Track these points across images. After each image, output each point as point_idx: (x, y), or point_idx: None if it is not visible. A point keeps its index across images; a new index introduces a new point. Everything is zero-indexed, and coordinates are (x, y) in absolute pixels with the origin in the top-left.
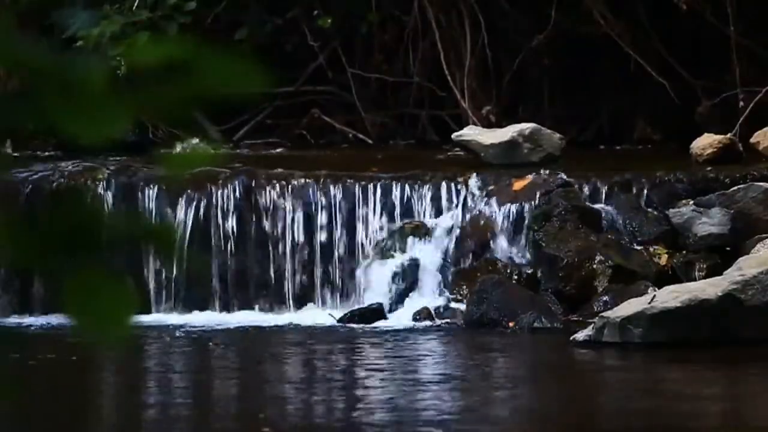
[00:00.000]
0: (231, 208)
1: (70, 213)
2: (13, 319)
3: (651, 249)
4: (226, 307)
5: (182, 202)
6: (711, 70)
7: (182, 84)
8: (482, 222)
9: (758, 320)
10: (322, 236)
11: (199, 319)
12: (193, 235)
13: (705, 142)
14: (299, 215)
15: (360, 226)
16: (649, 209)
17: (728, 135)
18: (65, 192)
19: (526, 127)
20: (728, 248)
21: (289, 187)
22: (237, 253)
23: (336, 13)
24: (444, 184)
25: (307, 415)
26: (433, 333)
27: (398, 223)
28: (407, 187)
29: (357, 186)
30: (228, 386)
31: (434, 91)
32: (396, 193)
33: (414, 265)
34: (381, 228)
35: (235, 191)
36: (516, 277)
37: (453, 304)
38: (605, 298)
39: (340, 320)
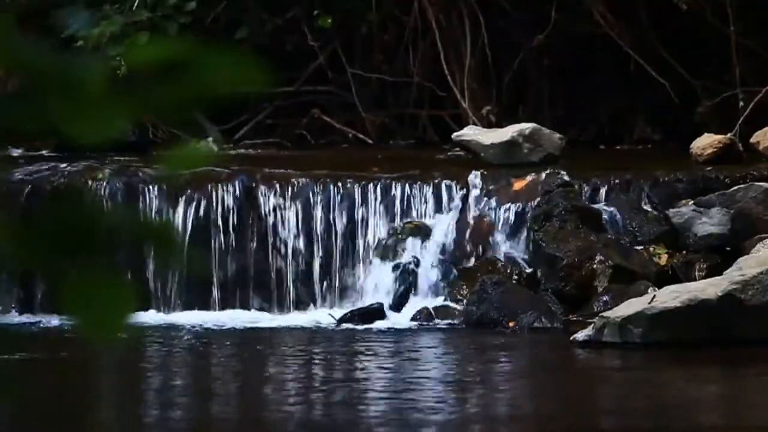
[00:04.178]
0: (231, 208)
1: (70, 213)
2: (13, 319)
3: (651, 249)
4: (226, 307)
5: (182, 202)
6: (711, 70)
7: (182, 84)
8: (482, 222)
9: (758, 320)
10: (322, 236)
11: (199, 318)
12: (193, 235)
13: (705, 142)
14: (299, 215)
15: (360, 226)
16: (649, 209)
17: (728, 135)
18: (65, 192)
19: (526, 127)
20: (728, 248)
21: (289, 187)
22: (237, 253)
23: (336, 13)
24: (444, 184)
25: (307, 414)
26: (433, 333)
27: (398, 223)
28: (407, 187)
29: (357, 186)
30: (227, 386)
31: (434, 91)
32: (396, 193)
33: (414, 265)
34: (381, 228)
35: (235, 191)
36: (516, 277)
37: (453, 304)
38: (605, 298)
39: (340, 320)
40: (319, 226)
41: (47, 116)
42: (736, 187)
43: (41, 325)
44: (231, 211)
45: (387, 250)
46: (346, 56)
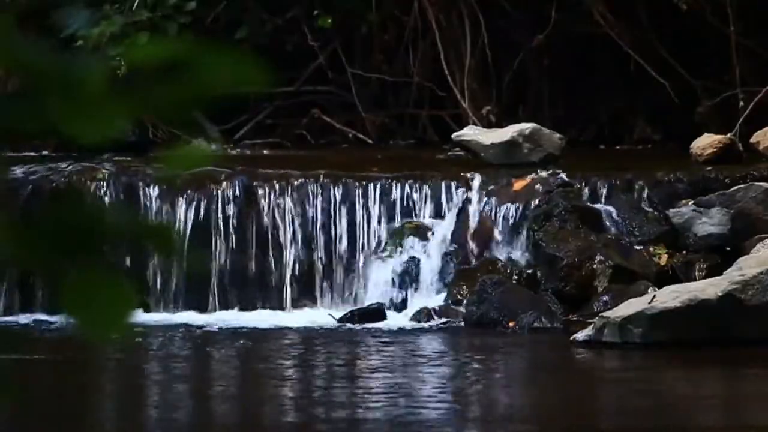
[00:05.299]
0: (231, 208)
1: (70, 213)
2: (14, 319)
3: (651, 249)
4: (226, 307)
5: (182, 202)
6: (711, 70)
7: (182, 84)
8: (482, 222)
9: (758, 320)
10: (322, 236)
11: (199, 318)
12: (193, 235)
13: (705, 142)
14: (299, 215)
15: (360, 226)
16: (649, 209)
17: (728, 135)
18: (65, 192)
19: (526, 127)
20: (728, 248)
21: (289, 187)
22: (237, 253)
23: (336, 13)
24: (444, 184)
25: (307, 415)
26: (433, 333)
27: (398, 223)
28: (407, 187)
29: (357, 186)
30: (227, 386)
31: (434, 91)
32: (396, 193)
33: (414, 265)
34: (381, 228)
35: (235, 191)
36: (516, 277)
37: (453, 304)
38: (605, 298)
39: (340, 320)
40: (319, 226)
41: (47, 116)
42: (736, 187)
43: (41, 325)
44: (231, 211)
45: (387, 250)
46: (346, 56)
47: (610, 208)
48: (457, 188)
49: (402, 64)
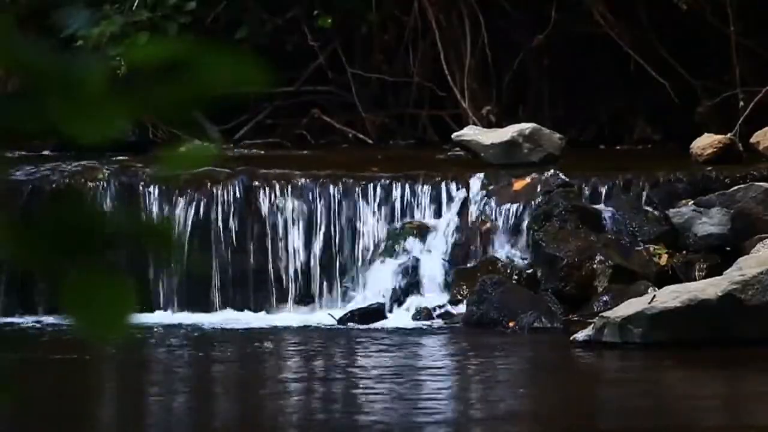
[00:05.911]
0: (231, 208)
1: (70, 213)
2: (13, 319)
3: (651, 249)
4: (226, 307)
5: (182, 202)
6: (711, 70)
7: (182, 84)
8: (482, 222)
9: (758, 320)
10: (322, 236)
11: (199, 318)
12: (193, 235)
13: (705, 142)
14: (299, 215)
15: (360, 226)
16: (649, 209)
17: (728, 135)
18: (65, 192)
19: (526, 127)
20: (728, 248)
21: (289, 187)
22: (237, 253)
23: (336, 13)
24: (444, 184)
25: (307, 414)
26: (433, 333)
27: (398, 223)
28: (407, 187)
29: (357, 186)
30: (228, 386)
31: (434, 91)
32: (396, 193)
33: (414, 265)
34: (381, 228)
35: (235, 191)
36: (516, 277)
37: (453, 304)
38: (605, 298)
39: (340, 320)
40: (319, 226)
41: (47, 116)
42: (736, 187)
43: (41, 325)
44: (231, 211)
45: (387, 250)
46: (346, 56)
47: (610, 208)
48: (457, 188)
49: (402, 64)
